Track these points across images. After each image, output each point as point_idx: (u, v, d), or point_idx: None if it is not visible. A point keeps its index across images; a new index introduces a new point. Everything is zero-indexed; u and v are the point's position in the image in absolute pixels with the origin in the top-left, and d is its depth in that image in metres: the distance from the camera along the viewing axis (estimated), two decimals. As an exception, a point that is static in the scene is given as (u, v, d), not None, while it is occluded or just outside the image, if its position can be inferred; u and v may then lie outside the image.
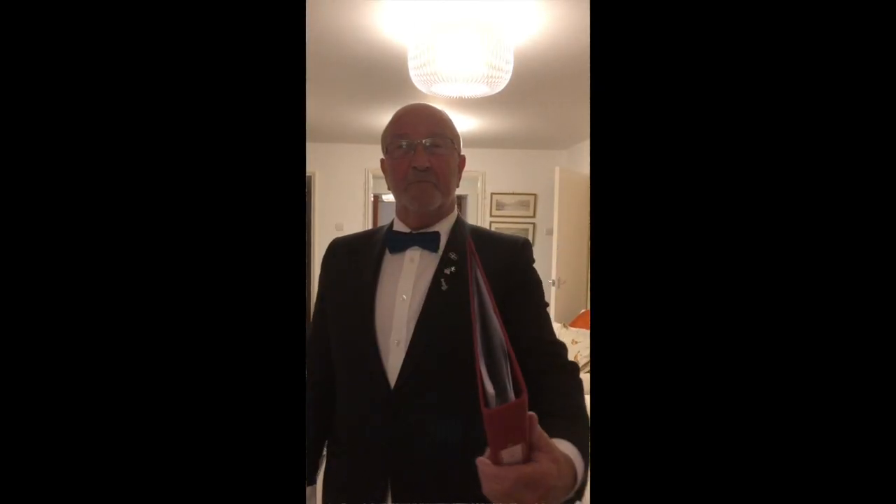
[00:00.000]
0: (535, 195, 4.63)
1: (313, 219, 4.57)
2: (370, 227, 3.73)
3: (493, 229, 0.81)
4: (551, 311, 3.82)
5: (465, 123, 3.47)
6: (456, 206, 0.87)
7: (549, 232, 4.70)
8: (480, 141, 4.10)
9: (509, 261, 0.78)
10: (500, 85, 1.84)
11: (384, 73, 2.38)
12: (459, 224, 0.85)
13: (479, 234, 0.83)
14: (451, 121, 0.83)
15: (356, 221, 4.50)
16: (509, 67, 1.80)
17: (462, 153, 0.85)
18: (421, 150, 0.76)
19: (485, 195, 4.59)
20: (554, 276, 3.70)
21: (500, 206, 4.63)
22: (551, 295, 3.84)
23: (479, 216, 4.64)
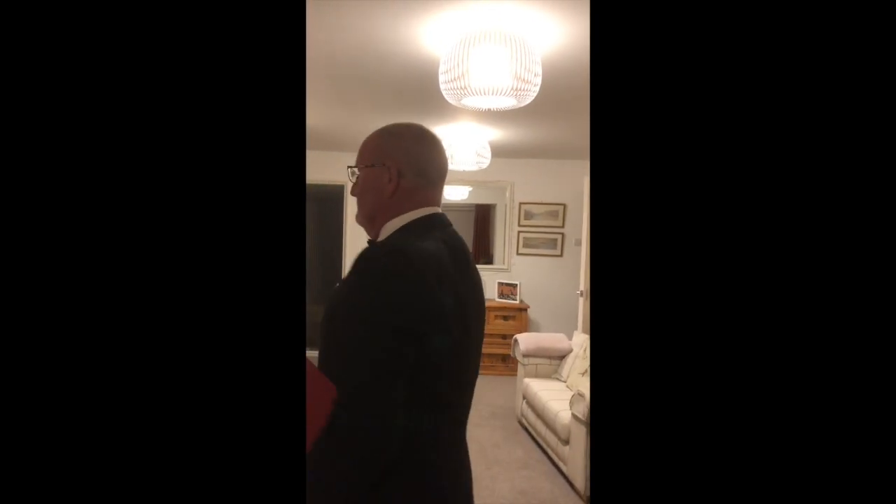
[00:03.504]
0: (564, 205, 4.61)
1: (345, 227, 4.68)
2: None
3: (408, 245, 0.75)
4: (578, 321, 3.80)
5: (494, 134, 3.51)
6: (398, 220, 0.83)
7: (578, 242, 4.67)
8: (509, 151, 4.12)
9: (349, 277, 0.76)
10: (529, 97, 1.86)
11: (415, 85, 2.44)
12: (383, 240, 0.82)
13: (367, 250, 0.79)
14: (376, 139, 0.85)
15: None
16: (538, 80, 1.82)
17: (396, 167, 0.82)
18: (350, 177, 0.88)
19: (513, 205, 4.61)
20: (582, 287, 3.67)
21: (528, 215, 4.64)
22: (579, 306, 3.81)
23: (507, 226, 4.65)
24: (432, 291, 0.71)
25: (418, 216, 0.82)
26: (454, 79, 1.79)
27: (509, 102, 1.89)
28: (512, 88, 1.80)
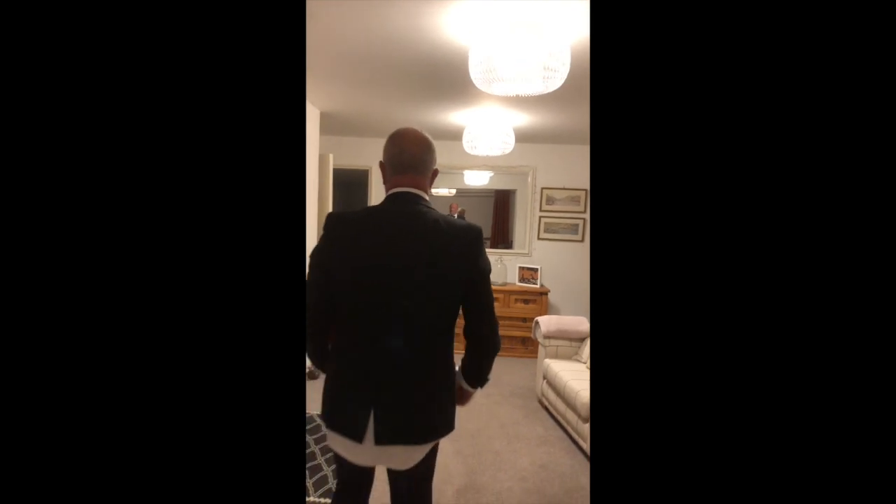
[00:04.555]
0: (585, 190, 4.63)
1: (369, 210, 4.78)
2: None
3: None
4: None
5: (518, 119, 3.54)
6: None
7: (599, 228, 4.68)
8: (532, 136, 4.15)
9: None
10: (557, 83, 1.91)
11: (441, 71, 2.50)
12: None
13: None
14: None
15: (409, 213, 4.66)
16: (565, 67, 1.87)
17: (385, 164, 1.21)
18: None
19: (535, 190, 4.65)
20: (603, 272, 3.70)
21: (550, 200, 4.67)
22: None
23: (528, 211, 4.70)
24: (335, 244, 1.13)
25: (387, 195, 1.18)
26: (484, 64, 1.85)
27: (537, 88, 1.94)
28: (540, 75, 1.85)
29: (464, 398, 1.32)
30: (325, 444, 2.57)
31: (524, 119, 3.55)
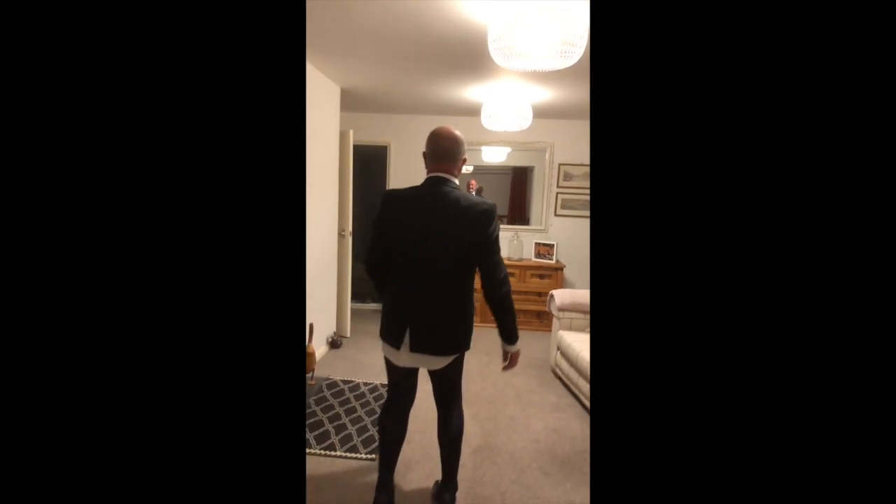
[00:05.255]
0: (603, 167, 4.64)
1: (388, 185, 4.87)
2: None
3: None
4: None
5: (536, 94, 3.57)
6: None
7: (616, 204, 4.69)
8: (550, 112, 4.16)
9: None
10: (574, 59, 1.95)
11: (459, 47, 2.54)
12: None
13: None
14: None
15: (427, 189, 4.73)
16: (584, 42, 1.91)
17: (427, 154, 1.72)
18: None
19: (553, 166, 4.67)
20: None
21: (567, 176, 4.70)
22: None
23: (546, 187, 4.74)
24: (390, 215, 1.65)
25: (426, 178, 1.66)
26: (502, 40, 1.90)
27: (555, 64, 1.98)
28: (558, 51, 1.89)
29: (507, 359, 1.73)
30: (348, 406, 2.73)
31: (543, 94, 3.57)
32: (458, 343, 1.64)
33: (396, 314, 1.64)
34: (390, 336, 1.65)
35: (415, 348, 1.60)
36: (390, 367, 1.74)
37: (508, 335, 1.66)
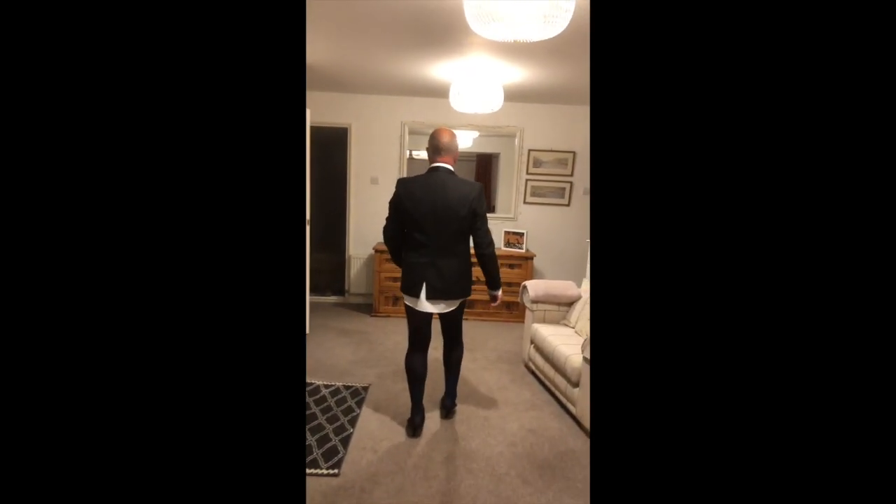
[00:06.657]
0: (573, 153, 4.52)
1: (349, 169, 4.58)
2: (406, 180, 3.85)
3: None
4: (587, 269, 3.80)
5: (507, 72, 3.36)
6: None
7: (587, 192, 4.60)
8: (520, 95, 3.98)
9: None
10: (558, 27, 1.76)
11: (433, 18, 2.30)
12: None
13: None
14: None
15: (391, 173, 4.49)
16: (568, 14, 1.71)
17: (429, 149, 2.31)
18: None
19: (522, 152, 4.50)
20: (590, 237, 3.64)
21: (537, 163, 4.54)
22: (588, 257, 3.79)
23: (515, 174, 4.57)
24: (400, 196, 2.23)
25: (428, 169, 2.25)
26: (481, 3, 1.68)
27: (537, 32, 1.78)
28: (541, 17, 1.69)
29: (493, 300, 2.41)
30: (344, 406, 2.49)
31: (515, 74, 3.37)
32: (462, 291, 2.27)
33: (415, 273, 2.21)
34: (410, 291, 2.24)
35: (431, 297, 2.21)
36: (412, 314, 2.30)
37: (494, 283, 2.33)
